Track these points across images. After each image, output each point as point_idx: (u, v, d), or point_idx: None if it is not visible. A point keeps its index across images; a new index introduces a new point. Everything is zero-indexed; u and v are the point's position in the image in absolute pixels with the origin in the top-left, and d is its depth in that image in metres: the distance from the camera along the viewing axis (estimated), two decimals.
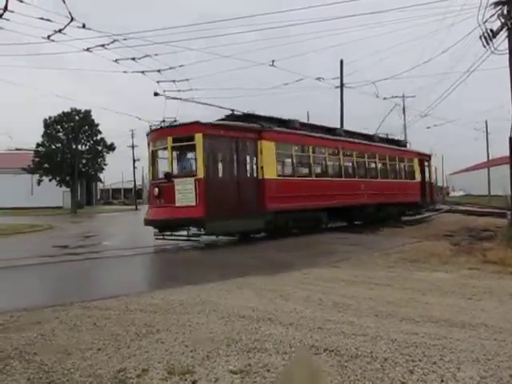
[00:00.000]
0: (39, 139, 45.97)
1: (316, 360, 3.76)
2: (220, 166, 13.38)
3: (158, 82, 15.67)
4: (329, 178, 16.91)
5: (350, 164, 18.80)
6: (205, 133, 12.58)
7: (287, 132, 15.32)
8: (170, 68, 15.97)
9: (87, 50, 14.18)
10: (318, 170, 17.21)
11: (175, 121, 13.28)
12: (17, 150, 50.21)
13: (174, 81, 15.93)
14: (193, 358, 3.81)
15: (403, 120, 44.55)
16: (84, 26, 13.28)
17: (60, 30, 13.03)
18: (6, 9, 11.48)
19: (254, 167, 13.98)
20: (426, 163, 25.39)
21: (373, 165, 20.42)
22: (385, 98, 32.52)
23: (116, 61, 14.64)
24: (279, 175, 14.63)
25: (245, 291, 6.52)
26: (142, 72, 15.22)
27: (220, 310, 5.33)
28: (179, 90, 16.72)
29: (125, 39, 14.90)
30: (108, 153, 48.51)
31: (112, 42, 14.31)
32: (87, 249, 13.16)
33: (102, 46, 14.20)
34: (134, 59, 14.49)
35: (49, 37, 13.24)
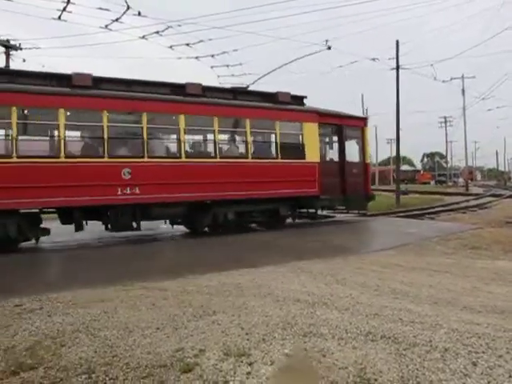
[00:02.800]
0: None
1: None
2: None
3: (211, 67, 15.77)
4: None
5: (87, 134, 11.49)
6: None
7: None
8: (224, 53, 16.00)
9: (143, 37, 14.47)
10: None
11: None
12: None
13: (227, 65, 15.97)
14: (248, 341, 3.85)
15: (463, 102, 42.60)
16: (139, 14, 13.55)
17: (117, 19, 13.37)
18: (68, 1, 11.91)
19: None
20: (355, 132, 15.21)
21: (169, 135, 12.77)
22: (444, 81, 31.08)
23: (171, 47, 14.86)
24: None
25: (301, 275, 6.53)
26: (196, 57, 15.38)
27: (275, 293, 5.35)
28: (232, 75, 16.76)
29: (179, 25, 15.12)
30: None
31: (166, 29, 14.51)
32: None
33: (157, 32, 14.44)
34: (188, 45, 14.65)
35: (106, 26, 13.64)
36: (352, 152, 15.08)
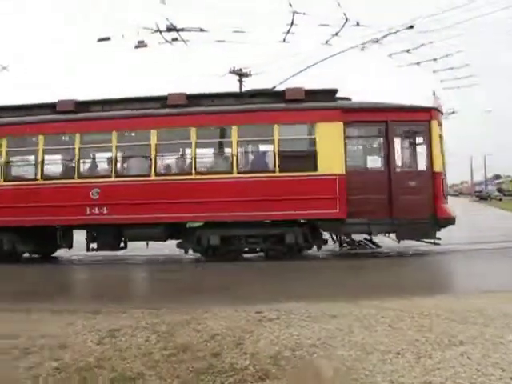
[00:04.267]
0: None
1: None
2: None
3: (433, 71, 14.71)
4: None
5: (62, 157, 12.21)
6: None
7: None
8: (447, 55, 14.73)
9: (362, 49, 14.32)
10: None
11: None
12: None
13: (451, 68, 14.70)
14: None
15: None
16: (358, 24, 13.49)
17: (336, 33, 13.59)
18: (292, 23, 12.70)
19: None
20: (415, 129, 11.19)
21: (140, 152, 11.55)
22: None
23: (390, 55, 14.39)
24: None
25: None
26: (417, 63, 14.51)
27: None
28: (457, 78, 15.46)
29: (397, 31, 14.48)
30: None
31: (385, 36, 14.06)
32: None
33: (376, 41, 14.10)
34: (408, 51, 13.95)
35: (327, 42, 14.00)
36: (408, 157, 11.39)
